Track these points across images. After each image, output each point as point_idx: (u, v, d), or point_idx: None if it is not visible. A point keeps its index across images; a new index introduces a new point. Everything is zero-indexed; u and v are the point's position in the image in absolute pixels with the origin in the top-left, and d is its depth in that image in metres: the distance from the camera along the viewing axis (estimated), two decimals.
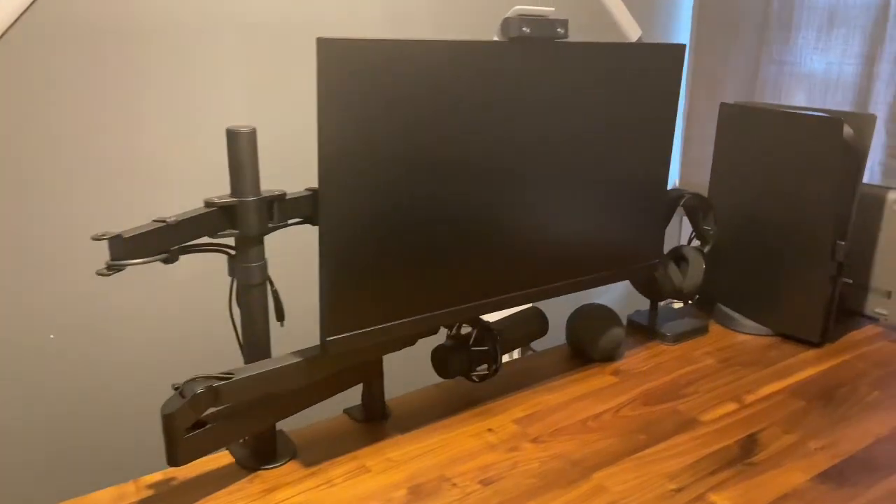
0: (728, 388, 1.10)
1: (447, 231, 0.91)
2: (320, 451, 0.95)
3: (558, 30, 0.91)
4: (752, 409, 1.04)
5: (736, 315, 1.32)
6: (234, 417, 0.86)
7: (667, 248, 1.25)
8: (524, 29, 0.88)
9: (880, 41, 1.36)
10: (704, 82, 1.67)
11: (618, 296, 1.78)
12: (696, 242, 1.31)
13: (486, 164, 0.91)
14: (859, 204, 1.27)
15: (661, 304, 1.35)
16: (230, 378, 0.82)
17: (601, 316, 1.19)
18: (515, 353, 1.29)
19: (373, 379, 1.00)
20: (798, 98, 1.50)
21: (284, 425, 0.95)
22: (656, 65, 1.06)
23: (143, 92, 1.23)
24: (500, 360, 1.07)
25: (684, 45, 1.09)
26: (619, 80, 1.02)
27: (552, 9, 0.91)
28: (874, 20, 1.36)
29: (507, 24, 0.88)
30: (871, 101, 1.39)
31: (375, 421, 1.02)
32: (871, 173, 1.42)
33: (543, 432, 0.99)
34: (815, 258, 1.19)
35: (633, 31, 1.67)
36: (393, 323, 0.89)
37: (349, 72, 0.77)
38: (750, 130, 1.27)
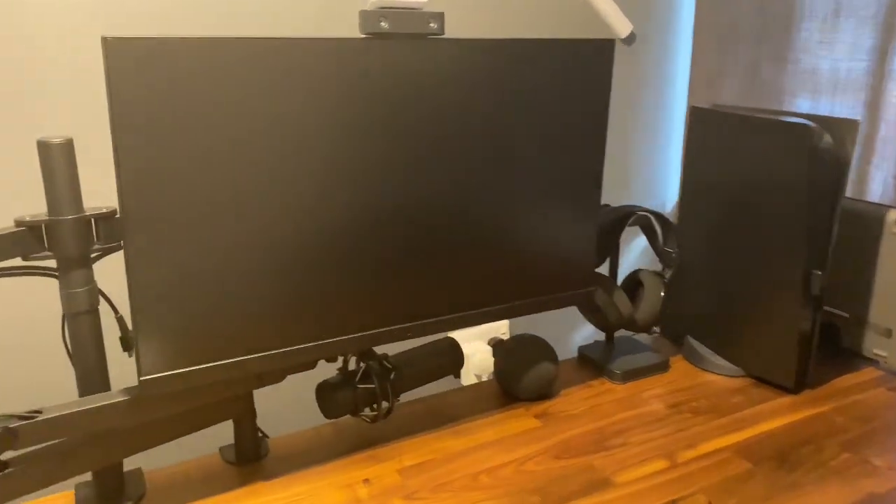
0: (665, 441, 0.94)
1: (297, 254, 0.79)
2: (174, 494, 0.85)
3: (430, 24, 0.78)
4: (684, 469, 0.88)
5: (705, 351, 1.15)
6: (55, 456, 0.78)
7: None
8: (382, 23, 0.76)
9: (893, 33, 1.16)
10: (704, 85, 1.48)
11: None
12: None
13: (346, 175, 0.80)
14: (856, 226, 1.08)
15: (635, 335, 1.20)
16: (34, 418, 0.73)
17: (529, 349, 1.04)
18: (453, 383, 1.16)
19: (242, 416, 0.90)
20: (801, 100, 1.31)
21: (151, 463, 0.87)
22: (579, 63, 0.91)
23: None
24: (392, 399, 0.95)
25: (613, 41, 0.94)
26: (527, 81, 0.88)
27: (425, 0, 0.78)
28: (887, 7, 1.15)
29: (364, 17, 0.76)
30: (882, 102, 1.18)
31: (247, 462, 0.91)
32: (885, 187, 1.21)
33: (424, 487, 0.86)
34: (787, 290, 1.01)
35: (621, 27, 1.50)
36: (227, 361, 0.79)
37: (147, 77, 0.67)
38: (720, 139, 1.10)
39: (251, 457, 0.92)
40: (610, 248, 1.10)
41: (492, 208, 0.91)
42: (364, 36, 0.77)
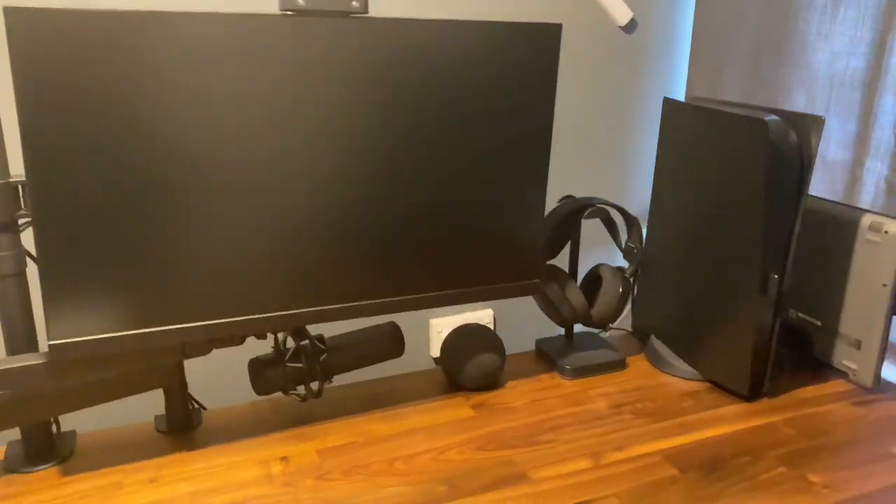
0: (595, 441, 0.91)
1: (211, 230, 0.80)
2: (100, 456, 0.88)
3: (352, 3, 0.77)
4: (605, 471, 0.86)
5: (666, 352, 1.11)
6: None
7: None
8: (300, 0, 0.75)
9: (891, 25, 1.08)
10: (705, 79, 1.42)
11: None
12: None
13: (265, 153, 0.80)
14: (831, 229, 1.02)
15: (600, 332, 1.17)
16: None
17: (474, 339, 1.03)
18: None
19: (172, 386, 0.92)
20: (797, 97, 1.24)
21: (88, 426, 0.90)
22: (523, 48, 0.89)
23: None
24: (322, 380, 0.95)
25: (559, 25, 0.91)
26: (464, 64, 0.86)
27: None
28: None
29: None
30: (876, 101, 1.11)
31: (177, 432, 0.93)
32: (877, 190, 1.13)
33: (338, 468, 0.86)
34: (744, 293, 0.97)
35: (621, 14, 1.46)
36: (137, 332, 0.80)
37: (51, 47, 0.68)
38: (688, 133, 1.05)
39: (181, 427, 0.93)
40: (564, 239, 1.07)
41: (427, 195, 0.89)
42: (282, 13, 0.76)
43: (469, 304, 1.54)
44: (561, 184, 1.47)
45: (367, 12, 0.79)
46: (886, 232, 0.96)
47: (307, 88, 0.79)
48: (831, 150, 1.21)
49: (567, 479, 0.84)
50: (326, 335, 0.99)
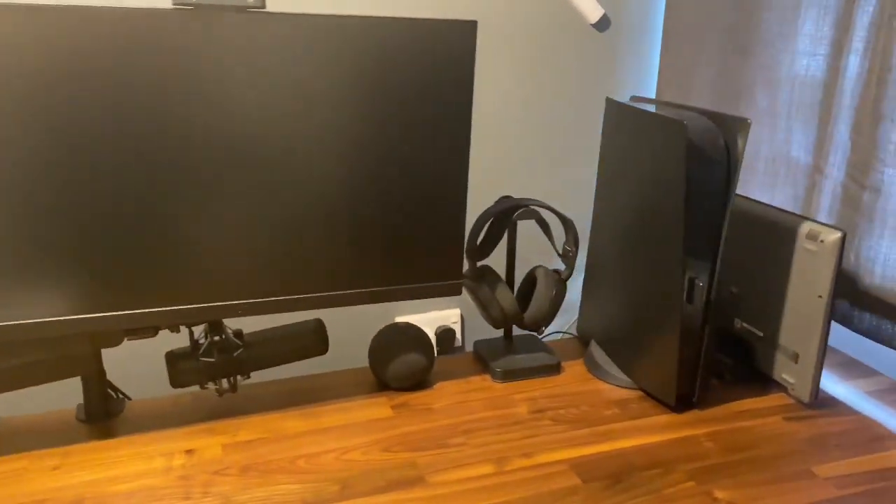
0: (504, 447, 0.89)
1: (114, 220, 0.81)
2: (12, 440, 0.90)
3: None
4: (506, 477, 0.84)
5: (602, 359, 1.08)
6: None
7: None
8: None
9: (848, 25, 1.03)
10: (675, 79, 1.38)
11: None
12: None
13: (166, 154, 0.80)
14: (773, 236, 0.98)
15: (540, 336, 1.15)
16: None
17: (402, 337, 1.02)
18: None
19: (89, 375, 0.93)
20: (761, 98, 1.19)
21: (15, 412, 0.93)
22: (437, 46, 0.87)
23: None
24: (235, 376, 0.95)
25: (475, 22, 0.89)
26: (374, 61, 0.85)
27: None
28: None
29: None
30: (835, 103, 1.06)
31: (94, 420, 0.95)
32: (833, 197, 1.08)
33: (238, 464, 0.86)
34: (672, 300, 0.94)
35: (592, 11, 1.43)
36: (45, 319, 0.81)
37: None
38: (623, 134, 1.02)
39: (98, 415, 0.95)
40: (496, 240, 1.06)
41: (342, 191, 0.89)
42: (174, 6, 0.77)
43: (436, 302, 1.53)
44: (512, 185, 1.43)
45: (264, 7, 0.78)
46: (822, 241, 0.92)
47: (204, 85, 0.79)
48: (794, 153, 1.16)
49: (464, 485, 0.82)
50: (253, 329, 0.99)
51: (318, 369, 1.07)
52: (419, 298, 0.97)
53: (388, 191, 0.91)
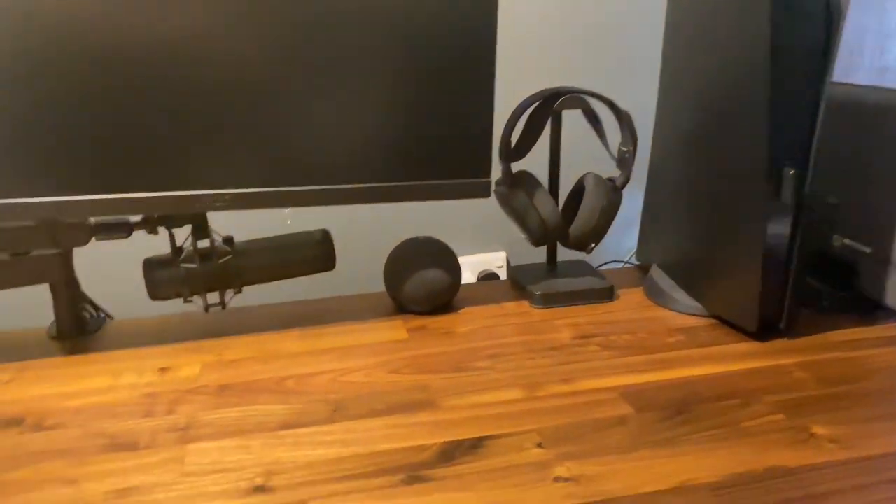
0: (538, 372, 0.72)
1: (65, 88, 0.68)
2: None
3: None
4: (536, 404, 0.67)
5: (666, 283, 0.89)
6: None
7: None
8: None
9: None
10: None
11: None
12: None
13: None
14: (881, 127, 0.78)
15: (586, 258, 0.97)
16: None
17: (421, 251, 0.86)
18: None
19: (57, 283, 0.81)
20: None
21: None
22: None
23: None
24: (224, 288, 0.81)
25: None
26: None
27: None
28: None
29: None
30: None
31: (66, 338, 0.82)
32: None
33: (215, 383, 0.72)
34: (754, 200, 0.74)
35: None
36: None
37: None
38: (692, 15, 0.83)
39: (69, 332, 0.82)
40: (534, 138, 0.88)
41: (352, 74, 0.74)
42: None
43: (478, 243, 1.37)
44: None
45: None
46: None
47: None
48: None
49: (484, 409, 0.66)
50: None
51: (326, 294, 0.92)
52: (440, 199, 0.81)
53: (409, 73, 0.75)
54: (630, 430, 0.62)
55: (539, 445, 0.60)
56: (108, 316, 0.88)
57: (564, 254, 0.93)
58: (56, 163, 0.69)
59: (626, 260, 1.06)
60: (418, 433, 0.62)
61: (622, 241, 1.26)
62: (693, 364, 0.74)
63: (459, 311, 0.88)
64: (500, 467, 0.57)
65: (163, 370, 0.75)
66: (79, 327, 0.83)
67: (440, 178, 0.80)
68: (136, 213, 0.74)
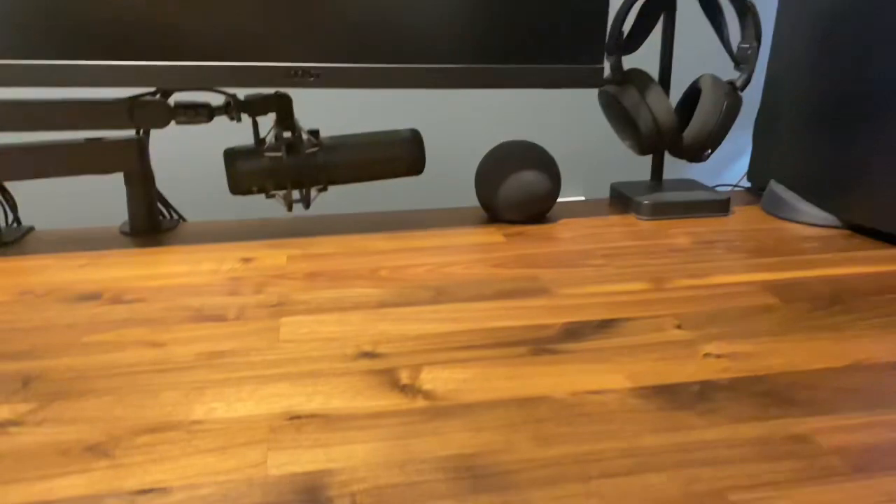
0: (662, 269, 0.65)
1: None
2: (39, 246, 0.73)
3: None
4: (668, 294, 0.59)
5: (789, 195, 0.81)
6: None
7: None
8: None
9: None
10: None
11: None
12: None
13: None
14: None
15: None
16: None
17: (518, 154, 0.79)
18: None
19: (132, 172, 0.75)
20: None
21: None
22: None
23: None
24: (309, 187, 0.75)
25: None
26: None
27: None
28: None
29: None
30: None
31: (139, 234, 0.77)
32: None
33: (302, 271, 0.66)
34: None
35: None
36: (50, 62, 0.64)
37: None
38: None
39: (142, 227, 0.77)
40: (644, 32, 0.80)
41: None
42: None
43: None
44: None
45: None
46: None
47: None
48: None
49: (605, 297, 0.58)
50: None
51: (413, 206, 0.86)
52: (544, 86, 0.73)
53: None
54: (781, 316, 0.54)
55: (678, 327, 0.53)
56: (182, 218, 0.83)
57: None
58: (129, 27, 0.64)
59: (734, 184, 0.98)
60: (536, 314, 0.55)
61: (724, 174, 1.17)
62: (837, 265, 0.65)
63: (559, 222, 0.80)
64: (638, 344, 0.50)
65: (246, 260, 0.69)
66: (153, 225, 0.77)
67: (546, 63, 0.73)
68: (213, 84, 0.68)
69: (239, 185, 0.75)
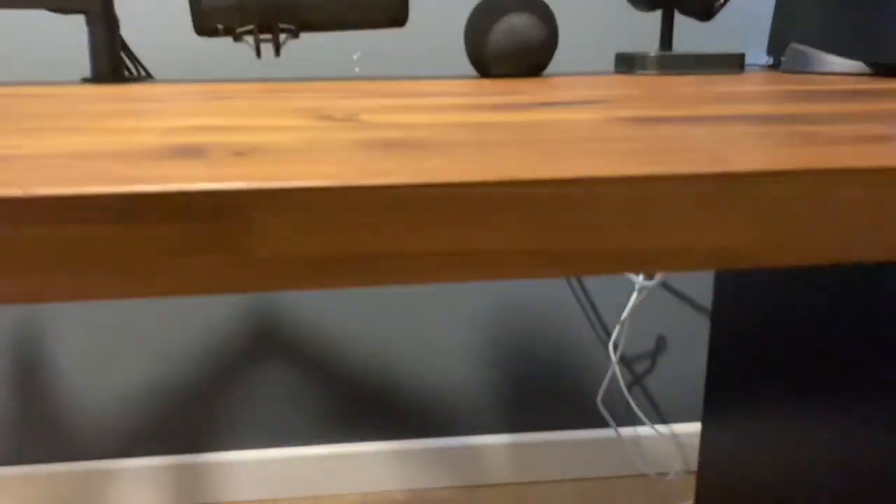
0: (687, 102, 0.57)
1: None
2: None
3: None
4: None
5: (812, 50, 0.73)
6: None
7: None
8: None
9: None
10: None
11: None
12: None
13: None
14: None
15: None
16: None
17: (502, 4, 0.71)
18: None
19: (92, 11, 0.69)
20: None
21: None
22: None
23: None
24: (277, 28, 0.69)
25: None
26: None
27: None
28: None
29: None
30: None
31: (105, 82, 0.71)
32: None
33: (364, 110, 0.59)
34: None
35: None
36: None
37: None
38: None
39: (106, 75, 0.71)
40: None
41: None
42: None
43: None
44: None
45: None
46: None
47: None
48: None
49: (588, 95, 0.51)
50: None
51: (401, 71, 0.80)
52: None
53: None
54: None
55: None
56: (148, 74, 0.77)
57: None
58: None
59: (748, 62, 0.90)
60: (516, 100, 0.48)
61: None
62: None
63: (558, 77, 0.73)
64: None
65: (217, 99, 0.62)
66: (118, 75, 0.71)
67: None
68: None
69: (205, 23, 0.68)
